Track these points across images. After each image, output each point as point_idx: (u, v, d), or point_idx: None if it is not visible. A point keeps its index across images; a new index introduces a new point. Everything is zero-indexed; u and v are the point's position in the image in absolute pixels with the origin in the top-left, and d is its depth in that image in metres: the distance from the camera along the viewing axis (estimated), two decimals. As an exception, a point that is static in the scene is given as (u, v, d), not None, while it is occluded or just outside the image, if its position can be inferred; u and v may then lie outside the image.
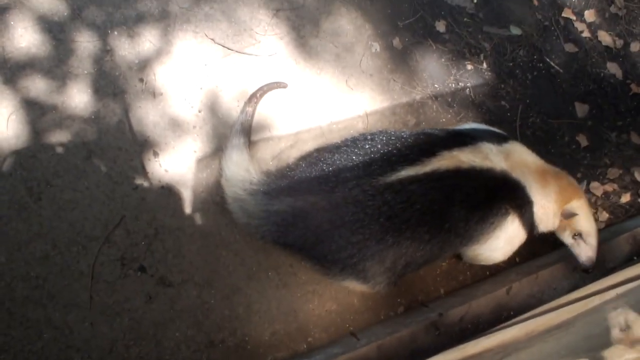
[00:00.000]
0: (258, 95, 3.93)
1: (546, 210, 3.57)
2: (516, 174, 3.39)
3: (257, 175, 3.55)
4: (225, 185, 3.63)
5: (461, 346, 3.39)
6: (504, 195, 3.37)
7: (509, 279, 3.89)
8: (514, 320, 3.68)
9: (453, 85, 4.51)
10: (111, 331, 3.38)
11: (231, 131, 3.80)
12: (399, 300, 3.88)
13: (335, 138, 4.04)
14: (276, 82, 4.02)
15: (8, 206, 3.42)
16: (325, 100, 4.16)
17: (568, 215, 3.55)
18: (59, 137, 3.59)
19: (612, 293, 2.94)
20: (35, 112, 3.60)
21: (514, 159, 3.43)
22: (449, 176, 3.25)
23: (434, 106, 4.37)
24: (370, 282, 3.40)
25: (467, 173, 3.29)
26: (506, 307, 3.79)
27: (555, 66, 4.87)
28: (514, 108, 4.57)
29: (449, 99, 4.45)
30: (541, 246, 4.23)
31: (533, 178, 3.45)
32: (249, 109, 3.87)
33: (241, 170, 3.60)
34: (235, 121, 3.86)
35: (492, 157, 3.32)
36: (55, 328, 3.31)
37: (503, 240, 3.51)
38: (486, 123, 4.43)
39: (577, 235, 3.64)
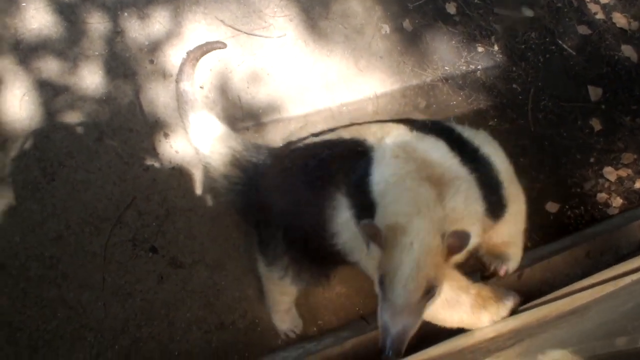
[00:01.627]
0: (194, 54, 3.68)
1: None
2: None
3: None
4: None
5: (472, 332, 3.35)
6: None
7: (520, 265, 3.97)
8: (525, 306, 3.75)
9: (464, 67, 4.63)
10: (123, 311, 3.53)
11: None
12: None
13: (345, 120, 4.17)
14: (216, 42, 3.82)
15: (22, 186, 3.56)
16: (335, 82, 4.28)
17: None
18: (71, 118, 3.73)
19: (627, 279, 2.99)
20: (48, 93, 3.74)
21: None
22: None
23: (445, 88, 4.50)
24: (270, 267, 3.24)
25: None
26: (518, 293, 3.88)
27: (568, 49, 4.96)
28: (526, 91, 4.67)
29: (460, 82, 4.57)
30: (554, 231, 4.32)
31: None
32: (189, 71, 3.63)
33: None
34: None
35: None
36: (69, 307, 3.46)
37: None
38: (497, 106, 4.53)
39: None
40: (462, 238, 2.38)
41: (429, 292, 2.42)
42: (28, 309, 3.41)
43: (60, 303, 3.45)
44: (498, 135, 4.38)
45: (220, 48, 3.83)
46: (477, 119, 4.45)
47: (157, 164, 3.78)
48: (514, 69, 4.74)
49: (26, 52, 3.73)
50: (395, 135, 2.93)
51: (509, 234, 3.17)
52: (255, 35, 4.19)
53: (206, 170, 3.65)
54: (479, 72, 4.63)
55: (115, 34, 3.92)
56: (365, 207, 2.67)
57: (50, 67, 3.74)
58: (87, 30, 3.87)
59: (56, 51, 3.78)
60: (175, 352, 3.54)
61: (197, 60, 3.72)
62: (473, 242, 2.59)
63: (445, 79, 4.54)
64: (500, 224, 2.91)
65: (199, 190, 3.84)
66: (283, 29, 4.26)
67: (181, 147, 3.84)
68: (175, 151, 3.82)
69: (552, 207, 4.35)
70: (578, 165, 4.49)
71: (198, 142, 3.56)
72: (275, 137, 4.04)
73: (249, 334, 3.69)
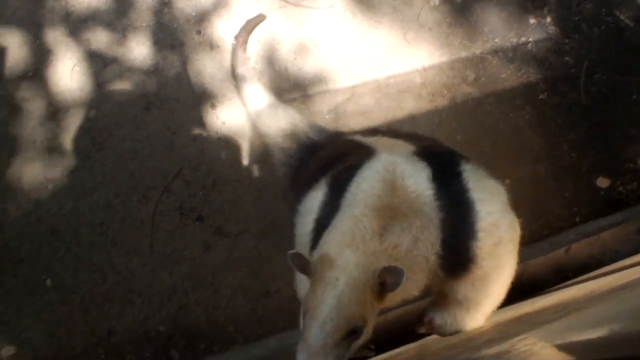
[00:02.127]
0: (243, 37, 3.95)
1: None
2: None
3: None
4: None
5: (517, 304, 3.41)
6: None
7: (569, 239, 3.91)
8: (572, 280, 3.71)
9: (514, 40, 4.57)
10: (170, 277, 3.63)
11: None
12: (453, 255, 4.02)
13: (392, 93, 4.18)
14: (256, 17, 4.01)
15: (73, 155, 3.68)
16: (383, 53, 4.28)
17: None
18: (119, 88, 3.82)
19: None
20: (97, 64, 3.84)
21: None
22: None
23: (494, 61, 4.46)
24: None
25: None
26: (564, 268, 3.82)
27: (625, 20, 4.83)
28: (579, 64, 4.58)
29: (510, 54, 4.53)
30: (604, 207, 4.27)
31: None
32: (242, 55, 3.92)
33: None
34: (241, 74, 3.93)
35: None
36: (118, 273, 3.58)
37: None
38: (548, 79, 4.47)
39: None
40: (395, 274, 2.21)
41: (353, 333, 2.26)
42: (80, 272, 3.53)
43: (110, 268, 3.56)
44: (548, 109, 4.37)
45: (261, 21, 3.97)
46: (526, 93, 4.40)
47: (204, 135, 3.86)
48: (567, 41, 4.66)
49: (76, 24, 3.84)
50: (395, 151, 2.77)
51: (465, 297, 2.75)
52: (303, 6, 4.22)
53: (261, 142, 3.80)
54: (530, 44, 4.58)
55: (163, 5, 4.00)
56: (327, 204, 2.63)
57: (100, 38, 3.85)
58: (135, 1, 3.96)
59: (105, 23, 3.88)
60: (221, 319, 3.63)
61: (247, 42, 3.84)
62: (409, 291, 2.50)
63: (495, 52, 4.50)
64: (457, 281, 2.65)
65: (245, 161, 3.90)
66: (331, 0, 4.28)
67: (228, 118, 3.90)
68: (222, 122, 3.90)
69: (602, 182, 4.30)
70: (631, 141, 4.41)
71: (257, 115, 3.73)
72: (322, 108, 4.08)
73: (293, 302, 3.72)
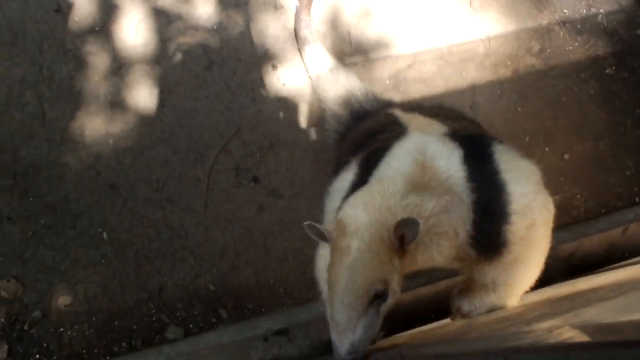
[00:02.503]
0: (307, 2, 3.39)
1: None
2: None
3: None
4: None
5: (570, 281, 3.00)
6: None
7: (627, 219, 3.35)
8: (629, 261, 3.18)
9: (584, 10, 3.82)
10: (223, 237, 3.17)
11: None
12: (506, 230, 3.42)
13: (455, 61, 3.52)
14: None
15: (134, 111, 3.23)
16: (447, 21, 3.65)
17: None
18: (182, 46, 3.32)
19: None
20: (162, 21, 3.33)
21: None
22: None
23: (561, 33, 3.73)
24: None
25: None
26: (620, 248, 3.28)
27: (700, -6, 4.01)
28: (651, 38, 3.82)
29: (578, 26, 3.78)
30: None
31: None
32: (306, 18, 3.39)
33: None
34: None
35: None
36: (172, 230, 3.13)
37: None
38: (617, 54, 3.71)
39: None
40: (411, 225, 1.88)
41: (378, 298, 1.95)
42: (135, 228, 3.10)
43: (164, 225, 3.12)
44: (614, 84, 3.64)
45: None
46: (593, 66, 3.70)
47: (263, 95, 3.33)
48: (640, 14, 3.87)
49: (144, -21, 3.27)
50: (427, 132, 2.37)
51: (494, 281, 2.38)
52: (369, -31, 3.55)
53: (318, 106, 3.35)
54: (600, 16, 3.81)
55: (230, -36, 3.39)
56: (357, 185, 2.21)
57: (166, -5, 3.29)
58: (202, -41, 3.36)
59: (172, -21, 3.31)
60: (270, 280, 3.17)
61: (311, 4, 3.34)
62: (435, 257, 2.13)
63: (563, 23, 3.76)
64: (487, 263, 2.28)
65: (303, 124, 3.37)
66: (397, -36, 3.59)
67: (288, 79, 3.36)
68: (282, 83, 3.33)
69: (666, 162, 3.59)
70: (699, 120, 3.66)
71: (317, 78, 3.32)
72: (383, 74, 3.48)
73: (342, 268, 3.22)
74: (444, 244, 2.14)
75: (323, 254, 2.37)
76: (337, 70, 3.31)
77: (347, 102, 3.12)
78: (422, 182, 2.08)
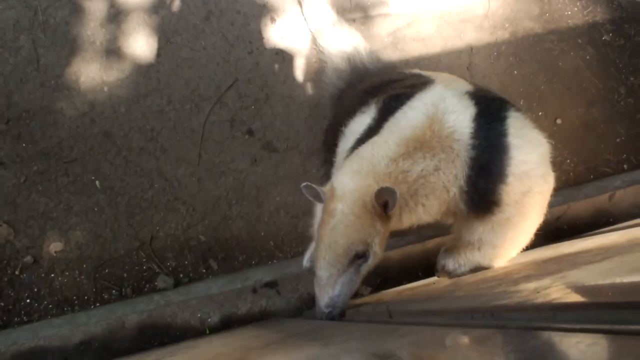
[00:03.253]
0: None
1: None
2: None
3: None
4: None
5: (556, 244, 2.98)
6: None
7: (614, 186, 3.35)
8: (614, 227, 3.18)
9: (585, -25, 3.74)
10: (216, 188, 3.15)
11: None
12: (496, 192, 3.42)
13: (454, 22, 3.47)
14: None
15: (131, 60, 3.17)
16: (448, -20, 3.54)
17: None
18: (180, -5, 3.20)
19: None
20: (160, -32, 3.21)
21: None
22: None
23: (562, -4, 3.66)
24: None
25: None
26: (606, 214, 3.29)
27: (701, -37, 3.94)
28: (651, 6, 3.77)
29: (579, -10, 3.72)
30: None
31: None
32: None
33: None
34: None
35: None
36: (165, 179, 3.10)
37: None
38: (615, 20, 3.66)
39: None
40: (389, 194, 1.99)
41: (360, 257, 2.11)
42: (128, 176, 3.07)
43: (158, 174, 3.09)
44: (610, 51, 3.60)
45: None
46: (590, 32, 3.65)
47: (261, 48, 3.27)
48: (640, -20, 3.80)
49: None
50: (451, 87, 2.37)
51: (480, 239, 2.42)
52: None
53: (317, 59, 3.31)
54: (600, -19, 3.74)
55: None
56: (373, 129, 2.29)
57: (165, -59, 3.18)
58: None
59: None
60: (262, 233, 3.16)
61: None
62: (422, 216, 2.21)
63: (564, -14, 3.69)
64: (478, 221, 2.32)
65: (300, 78, 3.32)
66: None
67: (286, 33, 3.29)
68: (280, 37, 3.27)
69: (657, 131, 3.58)
70: (692, 90, 3.64)
71: (319, 32, 3.27)
72: (381, 31, 3.42)
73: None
74: (432, 204, 2.20)
75: (319, 211, 2.40)
76: (341, 25, 3.27)
77: (350, 59, 3.11)
78: (421, 139, 2.13)
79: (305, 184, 2.15)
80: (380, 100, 2.40)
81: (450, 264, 2.56)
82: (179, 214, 3.10)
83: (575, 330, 1.28)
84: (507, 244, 2.45)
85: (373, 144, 2.16)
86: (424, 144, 2.13)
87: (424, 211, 2.21)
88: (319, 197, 2.16)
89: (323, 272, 2.10)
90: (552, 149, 3.30)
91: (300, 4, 3.31)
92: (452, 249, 2.56)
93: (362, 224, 2.06)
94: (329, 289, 2.11)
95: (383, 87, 2.56)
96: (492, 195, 2.23)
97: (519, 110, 2.38)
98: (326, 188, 2.15)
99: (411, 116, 2.21)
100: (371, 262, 2.14)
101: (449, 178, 2.17)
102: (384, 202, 2.04)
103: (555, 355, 1.20)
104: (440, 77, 2.52)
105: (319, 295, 2.15)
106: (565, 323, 1.37)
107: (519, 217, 2.33)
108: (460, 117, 2.19)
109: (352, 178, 2.08)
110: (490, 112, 2.25)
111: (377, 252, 2.13)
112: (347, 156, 2.29)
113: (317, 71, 3.35)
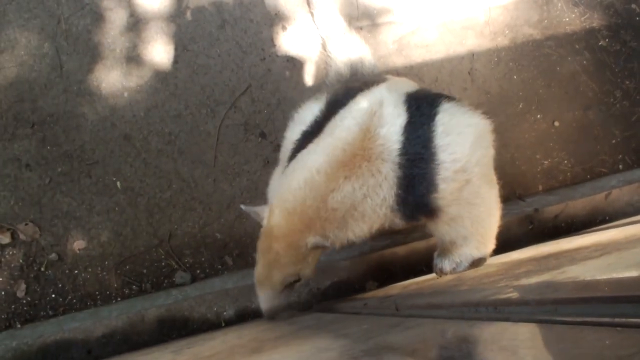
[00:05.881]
0: None
1: None
2: None
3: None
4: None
5: (555, 241, 2.99)
6: None
7: (610, 185, 3.33)
8: (611, 224, 3.17)
9: (582, -17, 3.73)
10: (231, 188, 3.15)
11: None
12: (497, 191, 3.41)
13: (456, 29, 3.46)
14: None
15: (150, 67, 3.17)
16: (451, -11, 3.53)
17: None
18: (197, 4, 3.22)
19: None
20: (177, -21, 3.21)
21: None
22: None
23: (559, 4, 3.65)
24: None
25: None
26: (602, 212, 3.28)
27: (693, -29, 3.91)
28: (645, 13, 3.75)
29: (576, -2, 3.70)
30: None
31: None
32: None
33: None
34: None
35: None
36: (182, 180, 3.10)
37: None
38: (611, 26, 3.65)
39: None
40: (320, 244, 2.15)
41: (294, 281, 2.27)
42: (147, 177, 3.06)
43: (175, 175, 3.08)
44: (607, 56, 3.58)
45: None
46: (587, 38, 3.62)
47: (273, 55, 3.27)
48: (634, -12, 3.79)
49: (160, -63, 3.17)
50: (394, 89, 2.31)
51: (450, 237, 2.38)
52: (378, -64, 3.45)
53: (324, 63, 3.30)
54: (597, -11, 3.72)
55: None
56: (318, 124, 2.32)
57: (181, -47, 3.19)
58: None
59: (187, -62, 3.21)
60: (274, 231, 3.12)
61: None
62: (357, 235, 2.22)
63: (561, -6, 3.67)
64: (433, 224, 2.29)
65: (309, 83, 3.33)
66: None
67: (297, 41, 3.29)
68: (290, 44, 3.28)
69: (651, 132, 3.56)
70: (685, 93, 3.61)
71: (328, 39, 3.23)
72: (387, 38, 3.41)
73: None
74: (362, 228, 2.20)
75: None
76: (350, 34, 3.25)
77: (353, 66, 3.10)
78: (351, 165, 2.10)
79: (243, 207, 2.35)
80: (333, 92, 2.41)
81: (447, 265, 2.52)
82: (195, 213, 3.11)
83: (577, 323, 1.28)
84: (476, 231, 2.36)
85: (309, 173, 2.13)
86: (353, 171, 2.10)
87: (355, 235, 2.22)
88: (258, 217, 2.27)
89: (261, 293, 2.28)
90: (549, 150, 3.30)
91: (311, 13, 3.31)
92: (444, 251, 2.52)
93: (296, 262, 2.17)
94: (268, 304, 2.30)
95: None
96: (426, 206, 2.18)
97: (451, 99, 2.26)
98: (265, 214, 2.24)
99: (346, 126, 2.16)
100: (303, 281, 2.28)
101: (377, 202, 2.14)
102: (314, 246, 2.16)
103: (560, 346, 1.20)
104: (393, 80, 2.53)
105: (261, 304, 2.34)
106: (567, 316, 1.36)
107: (468, 207, 2.25)
108: (390, 131, 2.12)
109: (286, 221, 2.12)
110: (420, 116, 2.17)
111: (308, 274, 2.27)
112: (293, 150, 2.32)
113: (325, 77, 3.34)
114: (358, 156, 2.10)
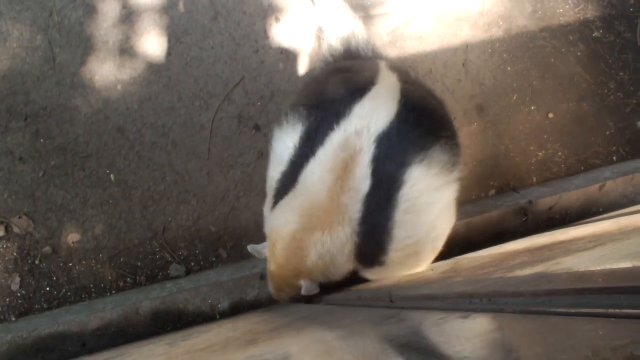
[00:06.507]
0: None
1: None
2: None
3: None
4: None
5: (549, 233, 2.95)
6: None
7: (604, 177, 3.32)
8: (605, 215, 3.16)
9: (576, -26, 3.71)
10: (225, 181, 3.13)
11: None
12: (491, 183, 3.41)
13: (450, 20, 3.44)
14: None
15: (143, 59, 3.13)
16: (445, -20, 3.51)
17: None
18: (189, -3, 3.18)
19: None
20: (170, -30, 3.18)
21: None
22: None
23: (554, -5, 3.62)
24: None
25: None
26: (596, 204, 3.27)
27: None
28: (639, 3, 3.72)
29: (570, -11, 3.68)
30: None
31: None
32: None
33: None
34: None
35: None
36: (176, 173, 3.08)
37: None
38: (606, 18, 3.64)
39: None
40: (309, 289, 2.35)
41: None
42: (141, 170, 3.03)
43: (169, 168, 3.06)
44: (601, 47, 3.57)
45: None
46: (581, 29, 3.60)
47: (266, 47, 3.23)
48: (629, -21, 3.77)
49: None
50: (374, 118, 2.28)
51: (402, 257, 2.46)
52: None
53: (317, 36, 3.26)
54: (591, -20, 3.70)
55: None
56: (293, 169, 2.36)
57: (174, -55, 3.15)
58: None
59: None
60: (268, 223, 3.11)
61: None
62: (334, 277, 2.39)
63: (555, -14, 3.65)
64: (383, 269, 2.41)
65: (303, 75, 3.26)
66: None
67: (291, 33, 3.26)
68: (284, 36, 3.25)
69: (645, 124, 3.55)
70: (679, 85, 3.60)
71: (324, 11, 3.17)
72: (381, 30, 3.39)
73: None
74: (342, 271, 2.38)
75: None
76: (345, 12, 3.20)
77: (347, 41, 3.05)
78: (324, 218, 2.21)
79: (250, 248, 2.54)
80: (305, 117, 2.35)
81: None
82: (190, 206, 3.09)
83: (571, 315, 1.27)
84: (419, 264, 2.52)
85: (287, 241, 2.28)
86: (323, 226, 2.22)
87: (335, 274, 2.39)
88: (262, 256, 2.49)
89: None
90: (544, 142, 3.28)
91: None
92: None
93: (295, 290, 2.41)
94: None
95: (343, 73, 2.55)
96: (375, 262, 2.35)
97: (423, 159, 2.26)
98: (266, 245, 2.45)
99: (317, 190, 2.23)
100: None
101: (344, 257, 2.30)
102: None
103: (555, 337, 1.19)
104: (376, 92, 2.36)
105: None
106: (561, 307, 1.35)
107: (408, 266, 2.45)
108: (354, 199, 2.20)
109: (280, 270, 2.35)
110: (386, 182, 2.20)
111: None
112: (275, 195, 2.40)
113: (320, 69, 3.32)
114: (327, 222, 2.21)
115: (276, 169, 2.44)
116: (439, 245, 2.47)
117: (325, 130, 2.26)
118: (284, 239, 2.27)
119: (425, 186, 2.25)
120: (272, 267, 2.37)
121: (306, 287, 2.32)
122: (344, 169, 2.19)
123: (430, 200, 2.27)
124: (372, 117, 2.26)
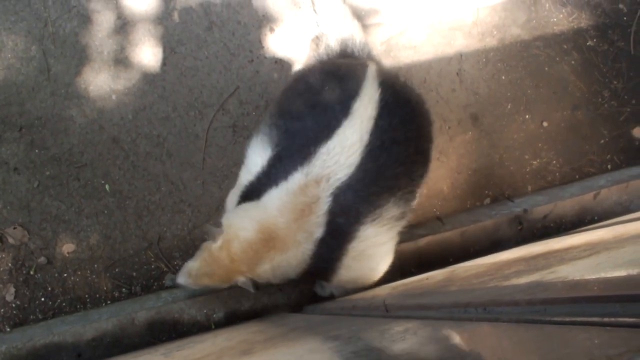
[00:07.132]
0: None
1: None
2: None
3: None
4: None
5: (544, 241, 2.95)
6: None
7: (598, 185, 3.33)
8: (600, 224, 3.16)
9: (569, -16, 3.73)
10: (219, 191, 3.12)
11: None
12: (486, 191, 3.41)
13: (444, 29, 3.45)
14: None
15: (138, 69, 3.13)
16: (439, -10, 3.52)
17: None
18: (184, 6, 3.19)
19: None
20: (164, -19, 3.18)
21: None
22: None
23: (547, 5, 3.65)
24: None
25: None
26: (591, 212, 3.27)
27: (678, -28, 3.92)
28: (632, 13, 3.75)
29: (563, -2, 3.70)
30: (637, 156, 3.57)
31: None
32: None
33: None
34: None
35: None
36: (171, 183, 3.07)
37: None
38: (599, 26, 3.65)
39: None
40: (247, 287, 2.47)
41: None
42: (136, 180, 3.02)
43: (164, 178, 3.05)
44: (595, 56, 3.58)
45: None
46: (575, 38, 3.62)
47: (261, 57, 3.24)
48: (621, -12, 3.79)
49: (147, -61, 3.14)
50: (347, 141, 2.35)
51: (347, 282, 2.66)
52: (365, -63, 3.43)
53: (317, 35, 3.24)
54: (583, -11, 3.72)
55: None
56: (261, 181, 2.48)
57: (169, -44, 3.15)
58: None
59: (175, -59, 3.18)
60: (264, 233, 3.09)
61: None
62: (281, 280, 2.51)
63: (548, -5, 3.67)
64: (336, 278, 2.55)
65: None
66: None
67: (285, 42, 3.27)
68: (278, 46, 3.25)
69: (638, 132, 3.55)
70: (673, 93, 3.62)
71: (324, 12, 3.16)
72: (376, 39, 3.40)
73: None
74: (283, 280, 2.52)
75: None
76: (345, 11, 3.17)
77: (344, 42, 3.04)
78: (279, 237, 2.32)
79: (207, 225, 2.52)
80: (274, 142, 2.41)
81: (320, 291, 2.90)
82: (185, 216, 3.08)
83: (566, 323, 1.26)
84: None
85: (243, 245, 2.36)
86: (276, 244, 2.33)
87: (281, 279, 2.50)
88: (213, 238, 2.44)
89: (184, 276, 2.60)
90: (538, 150, 3.29)
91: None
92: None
93: (225, 283, 2.54)
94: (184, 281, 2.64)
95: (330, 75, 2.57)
96: (332, 269, 2.46)
97: (375, 208, 2.38)
98: (218, 241, 2.44)
99: (280, 222, 2.32)
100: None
101: (293, 269, 2.43)
102: None
103: (550, 346, 1.18)
104: (344, 132, 2.35)
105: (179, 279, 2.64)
106: (556, 316, 1.35)
107: (365, 278, 2.65)
108: (308, 241, 2.33)
109: (228, 261, 2.38)
110: (338, 234, 2.34)
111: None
112: (239, 200, 2.49)
113: (315, 50, 3.28)
114: (283, 246, 2.33)
115: (245, 176, 2.53)
116: (377, 278, 2.63)
117: (288, 167, 2.33)
118: (241, 243, 2.34)
119: (373, 242, 2.42)
120: (223, 256, 2.37)
121: (245, 284, 2.42)
122: (301, 213, 2.29)
123: (376, 251, 2.49)
124: (333, 166, 2.30)
